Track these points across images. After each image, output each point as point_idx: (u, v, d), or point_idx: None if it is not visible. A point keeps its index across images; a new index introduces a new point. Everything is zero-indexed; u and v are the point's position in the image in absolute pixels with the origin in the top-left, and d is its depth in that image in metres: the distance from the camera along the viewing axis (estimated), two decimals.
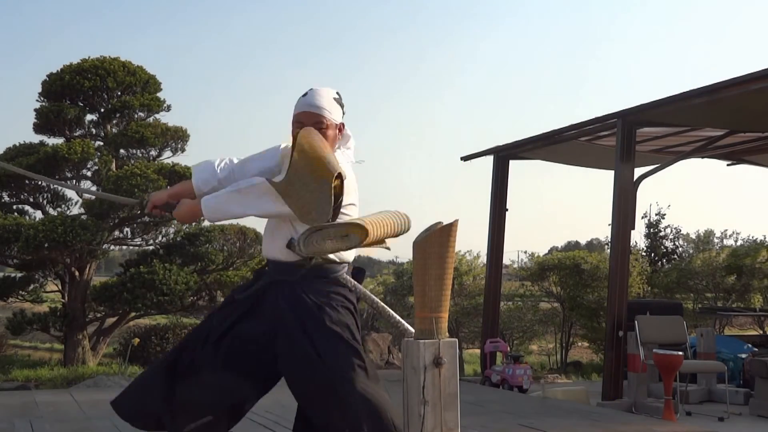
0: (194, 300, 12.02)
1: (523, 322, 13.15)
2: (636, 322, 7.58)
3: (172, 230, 12.57)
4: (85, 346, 11.41)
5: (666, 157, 9.67)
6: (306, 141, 2.81)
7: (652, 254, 14.99)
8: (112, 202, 10.94)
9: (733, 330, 14.47)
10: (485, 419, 5.46)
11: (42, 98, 12.62)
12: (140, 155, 12.53)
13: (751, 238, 15.03)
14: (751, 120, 8.05)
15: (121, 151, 12.48)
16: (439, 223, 2.56)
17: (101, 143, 12.50)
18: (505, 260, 11.91)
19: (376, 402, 2.78)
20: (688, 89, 7.08)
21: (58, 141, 12.35)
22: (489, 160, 10.02)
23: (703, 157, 10.24)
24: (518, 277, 15.31)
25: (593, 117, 8.18)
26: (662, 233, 15.24)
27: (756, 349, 9.07)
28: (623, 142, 7.88)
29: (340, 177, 2.80)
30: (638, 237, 15.16)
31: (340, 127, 3.04)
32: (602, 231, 30.90)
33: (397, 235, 2.93)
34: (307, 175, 2.76)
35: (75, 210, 12.40)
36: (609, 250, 9.15)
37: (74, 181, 12.21)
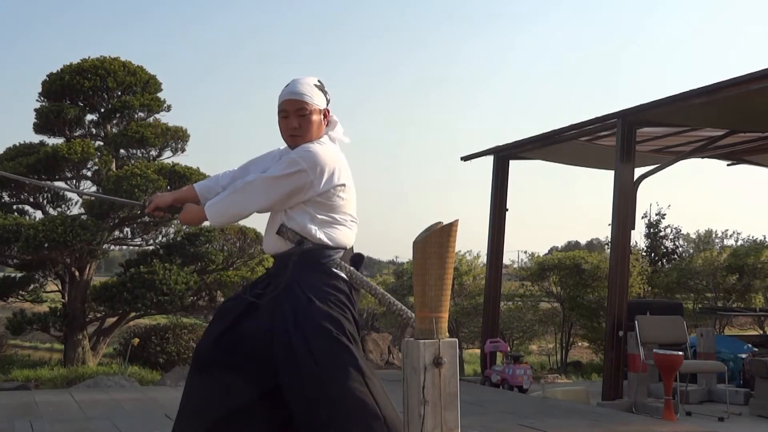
0: (194, 300, 12.03)
1: (523, 322, 13.15)
2: (636, 322, 7.59)
3: (172, 230, 12.58)
4: (85, 346, 11.41)
5: (666, 157, 9.67)
6: None
7: (652, 254, 14.98)
8: (111, 202, 10.93)
9: (733, 330, 14.47)
10: (485, 419, 5.46)
11: (42, 98, 12.63)
12: (140, 155, 12.54)
13: (751, 238, 15.04)
14: (751, 120, 8.05)
15: (121, 151, 12.48)
16: (439, 223, 2.56)
17: (101, 143, 12.50)
18: (505, 260, 11.92)
19: (367, 402, 2.76)
20: (687, 89, 7.09)
21: (58, 141, 12.37)
22: (489, 160, 10.03)
23: (703, 157, 10.24)
24: (518, 277, 15.31)
25: (593, 117, 8.19)
26: (662, 233, 15.24)
27: (756, 349, 9.07)
28: (623, 142, 7.88)
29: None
30: (638, 237, 15.18)
31: (325, 113, 3.10)
32: (602, 231, 30.94)
33: None
34: None
35: (75, 210, 12.42)
36: (609, 250, 9.15)
37: (74, 181, 12.22)
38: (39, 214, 12.22)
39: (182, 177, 11.22)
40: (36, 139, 12.62)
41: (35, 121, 12.56)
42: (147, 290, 10.81)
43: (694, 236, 15.34)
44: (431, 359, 2.42)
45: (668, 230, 15.29)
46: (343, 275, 2.96)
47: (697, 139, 9.26)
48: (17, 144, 12.47)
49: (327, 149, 2.99)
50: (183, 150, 12.71)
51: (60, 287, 12.39)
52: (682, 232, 15.36)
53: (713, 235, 15.40)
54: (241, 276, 11.77)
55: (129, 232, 12.56)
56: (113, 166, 12.08)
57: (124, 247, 14.22)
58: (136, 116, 12.67)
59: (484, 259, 11.97)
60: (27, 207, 12.45)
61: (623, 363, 7.76)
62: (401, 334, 13.30)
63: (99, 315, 11.88)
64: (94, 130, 12.80)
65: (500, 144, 9.78)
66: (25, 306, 13.15)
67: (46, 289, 13.04)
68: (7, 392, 7.87)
